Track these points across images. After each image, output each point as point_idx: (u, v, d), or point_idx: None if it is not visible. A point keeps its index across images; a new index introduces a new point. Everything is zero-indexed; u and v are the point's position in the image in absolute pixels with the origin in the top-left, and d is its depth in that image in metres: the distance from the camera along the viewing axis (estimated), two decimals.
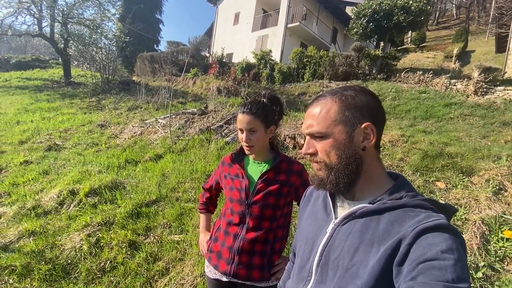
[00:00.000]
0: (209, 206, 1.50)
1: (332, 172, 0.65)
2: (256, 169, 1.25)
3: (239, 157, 1.29)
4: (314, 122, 0.66)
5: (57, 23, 11.65)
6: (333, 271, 0.62)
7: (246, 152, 1.23)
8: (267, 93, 1.24)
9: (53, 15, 11.19)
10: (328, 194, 0.74)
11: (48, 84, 11.87)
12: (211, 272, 1.27)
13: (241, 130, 1.19)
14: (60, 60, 13.82)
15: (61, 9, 11.33)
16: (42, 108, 8.17)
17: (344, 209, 0.69)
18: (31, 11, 11.25)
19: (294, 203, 1.31)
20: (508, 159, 3.19)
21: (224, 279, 1.22)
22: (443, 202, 0.62)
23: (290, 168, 1.22)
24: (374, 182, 0.66)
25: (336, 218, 0.69)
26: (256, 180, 1.20)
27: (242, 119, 1.17)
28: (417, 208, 0.58)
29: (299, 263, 0.75)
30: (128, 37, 13.02)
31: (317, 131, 0.66)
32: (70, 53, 12.14)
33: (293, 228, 2.52)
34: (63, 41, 11.81)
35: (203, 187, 1.49)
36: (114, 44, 13.11)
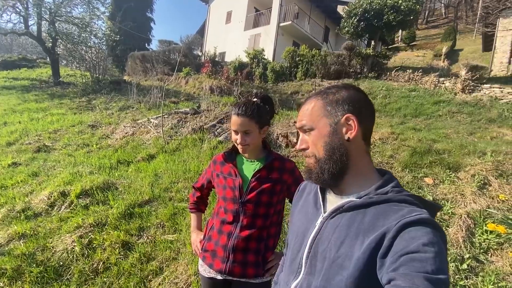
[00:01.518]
0: (200, 205, 1.49)
1: (319, 163, 0.69)
2: (249, 167, 1.26)
3: (231, 156, 1.30)
4: (303, 117, 0.74)
5: (44, 22, 11.36)
6: (321, 263, 0.65)
7: (241, 151, 1.24)
8: (259, 92, 1.26)
9: (40, 13, 10.91)
10: (318, 189, 0.77)
11: (36, 84, 11.58)
12: (205, 271, 1.28)
13: (236, 132, 1.20)
14: (48, 59, 13.50)
15: (48, 7, 11.06)
16: (30, 108, 7.99)
17: (332, 204, 0.71)
18: (17, 9, 10.96)
19: (286, 200, 1.34)
20: (493, 154, 3.30)
21: (219, 277, 1.24)
22: (429, 200, 0.65)
23: (283, 166, 1.24)
24: (362, 176, 0.69)
25: (325, 212, 0.71)
26: (249, 179, 1.22)
27: (236, 121, 1.17)
28: (402, 203, 0.60)
29: (290, 256, 0.78)
30: (118, 36, 12.87)
31: (304, 124, 0.73)
32: (58, 52, 11.89)
33: (285, 225, 2.55)
34: (51, 40, 11.54)
35: (193, 186, 1.48)
36: (104, 43, 12.93)
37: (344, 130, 0.68)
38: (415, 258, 0.49)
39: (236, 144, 1.23)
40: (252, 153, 1.27)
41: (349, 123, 0.67)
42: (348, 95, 0.70)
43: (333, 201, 0.72)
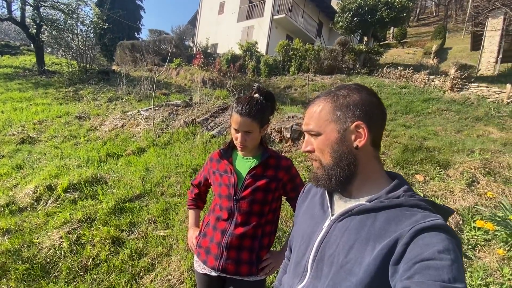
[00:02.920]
0: (198, 202, 1.48)
1: (326, 170, 0.67)
2: (244, 164, 1.25)
3: (227, 153, 1.28)
4: (310, 120, 0.70)
5: (28, 7, 10.81)
6: (328, 267, 0.63)
7: (239, 150, 1.23)
8: (261, 88, 1.21)
9: None
10: (325, 191, 0.75)
11: (19, 72, 11.09)
12: (200, 267, 1.27)
13: (236, 130, 1.16)
14: (32, 46, 12.92)
15: None
16: (14, 98, 7.65)
17: (341, 206, 0.69)
18: None
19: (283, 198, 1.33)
20: (481, 153, 3.38)
21: (213, 273, 1.23)
22: (441, 204, 0.64)
23: (278, 163, 1.23)
24: (371, 180, 0.67)
25: (332, 215, 0.69)
26: (244, 176, 1.20)
27: (238, 120, 1.13)
28: (414, 207, 0.59)
29: (295, 259, 0.76)
30: (107, 24, 12.34)
31: (311, 129, 0.69)
32: (43, 39, 11.36)
33: (280, 223, 2.55)
34: (35, 26, 11.00)
35: (191, 183, 1.47)
36: (91, 31, 12.37)
37: (353, 137, 0.65)
38: (430, 265, 0.48)
39: (236, 143, 1.20)
40: (249, 150, 1.25)
41: (358, 130, 0.64)
42: (359, 99, 0.65)
43: (341, 204, 0.70)
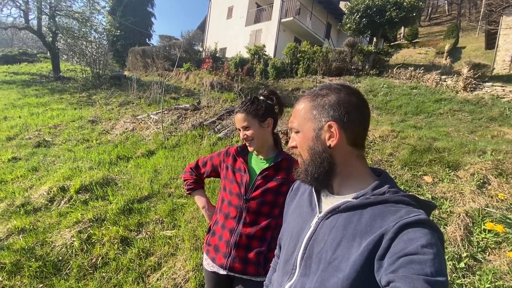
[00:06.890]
0: (201, 183, 1.47)
1: (304, 165, 0.71)
2: (258, 165, 1.28)
3: (244, 151, 1.32)
4: (294, 118, 0.74)
5: (45, 16, 11.31)
6: (316, 264, 0.64)
7: (248, 147, 1.27)
8: (265, 90, 1.30)
9: (40, 7, 10.85)
10: (313, 189, 0.76)
11: (36, 78, 11.56)
12: (209, 265, 1.30)
13: (239, 129, 1.26)
14: (48, 54, 13.45)
15: (48, 1, 10.98)
16: (30, 103, 7.98)
17: (328, 204, 0.70)
18: (17, 3, 10.89)
19: None
20: (493, 153, 3.28)
21: (222, 272, 1.25)
22: (423, 198, 0.65)
23: (291, 166, 1.23)
24: (354, 179, 0.68)
25: (320, 212, 0.70)
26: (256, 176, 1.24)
27: (236, 118, 1.25)
28: (399, 203, 0.60)
29: (284, 257, 0.77)
30: (119, 31, 12.76)
31: (294, 126, 0.73)
32: (58, 47, 11.83)
33: None
34: (51, 34, 11.47)
35: (191, 168, 1.44)
36: (104, 38, 12.82)
37: (326, 136, 0.67)
38: (414, 260, 0.49)
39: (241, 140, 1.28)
40: (261, 150, 1.28)
41: (331, 130, 0.66)
42: (336, 99, 0.67)
43: (329, 201, 0.71)
